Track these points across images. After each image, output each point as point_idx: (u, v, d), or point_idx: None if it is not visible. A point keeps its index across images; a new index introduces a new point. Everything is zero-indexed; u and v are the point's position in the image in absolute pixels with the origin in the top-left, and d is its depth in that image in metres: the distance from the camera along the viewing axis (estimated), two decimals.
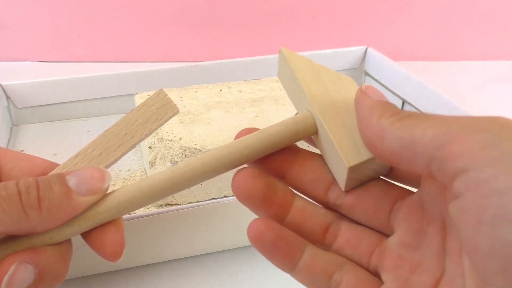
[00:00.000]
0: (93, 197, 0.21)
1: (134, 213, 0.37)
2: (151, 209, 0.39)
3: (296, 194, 0.24)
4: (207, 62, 0.56)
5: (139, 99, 0.44)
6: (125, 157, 0.47)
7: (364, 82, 0.62)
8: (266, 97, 0.46)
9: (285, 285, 0.34)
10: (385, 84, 0.57)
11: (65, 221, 0.21)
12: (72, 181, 0.21)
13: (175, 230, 0.33)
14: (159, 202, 0.39)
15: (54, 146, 0.50)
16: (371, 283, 0.22)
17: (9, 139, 0.51)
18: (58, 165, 0.25)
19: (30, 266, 0.20)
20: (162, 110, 0.25)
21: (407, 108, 0.52)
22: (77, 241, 0.23)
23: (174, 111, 0.25)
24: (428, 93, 0.49)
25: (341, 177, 0.22)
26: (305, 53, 0.58)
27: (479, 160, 0.16)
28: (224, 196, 0.40)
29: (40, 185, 0.21)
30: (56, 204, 0.20)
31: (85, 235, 0.22)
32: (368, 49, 0.60)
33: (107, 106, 0.55)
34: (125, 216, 0.32)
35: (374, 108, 0.20)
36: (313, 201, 0.24)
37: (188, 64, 0.55)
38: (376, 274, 0.22)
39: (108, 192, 0.22)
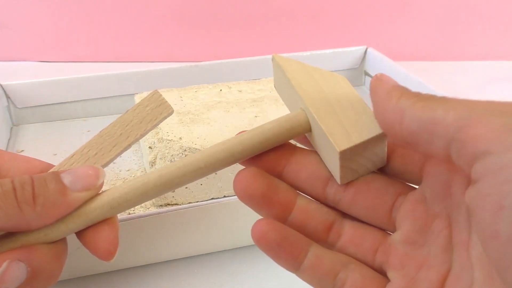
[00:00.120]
0: (88, 193, 0.22)
1: (134, 213, 0.37)
2: (151, 209, 0.39)
3: (298, 193, 0.24)
4: (207, 62, 0.56)
5: (139, 99, 0.44)
6: (125, 157, 0.47)
7: (364, 82, 0.62)
8: (266, 97, 0.46)
9: (285, 285, 0.34)
10: None
11: (60, 218, 0.21)
12: (67, 179, 0.21)
13: (175, 230, 0.33)
14: (160, 202, 0.39)
15: (54, 146, 0.50)
16: (377, 281, 0.22)
17: (9, 139, 0.51)
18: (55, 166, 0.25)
19: (22, 264, 0.20)
20: (157, 110, 0.25)
21: None
22: (77, 241, 0.23)
23: (169, 111, 0.25)
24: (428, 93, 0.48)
25: (336, 167, 0.22)
26: (305, 53, 0.58)
27: (502, 144, 0.15)
28: (224, 196, 0.40)
29: (35, 182, 0.21)
30: (51, 201, 0.21)
31: (80, 234, 0.22)
32: (368, 49, 0.60)
33: (107, 106, 0.55)
34: (125, 216, 0.32)
35: (392, 91, 0.20)
36: (314, 200, 0.24)
37: (188, 64, 0.55)
38: (381, 272, 0.22)
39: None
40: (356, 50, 0.60)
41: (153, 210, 0.36)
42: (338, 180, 0.22)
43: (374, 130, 0.22)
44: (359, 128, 0.22)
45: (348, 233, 0.23)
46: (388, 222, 0.23)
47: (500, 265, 0.16)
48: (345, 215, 0.24)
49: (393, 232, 0.22)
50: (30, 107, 0.53)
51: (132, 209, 0.39)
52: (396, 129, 0.19)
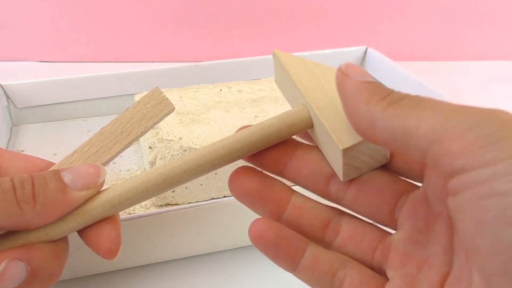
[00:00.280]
0: (88, 191, 0.22)
1: (134, 213, 0.37)
2: (151, 209, 0.39)
3: (294, 191, 0.24)
4: (207, 62, 0.56)
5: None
6: (125, 157, 0.47)
7: None
8: (266, 97, 0.46)
9: (285, 285, 0.34)
10: (385, 84, 0.56)
11: (60, 216, 0.21)
12: (67, 177, 0.21)
13: (175, 230, 0.33)
14: (160, 202, 0.39)
15: (54, 146, 0.50)
16: (375, 281, 0.22)
17: (9, 139, 0.51)
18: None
19: (22, 263, 0.20)
20: (157, 107, 0.25)
21: None
22: (77, 241, 0.23)
23: (170, 108, 0.25)
24: (428, 93, 0.49)
25: (338, 165, 0.22)
26: (305, 53, 0.58)
27: (476, 161, 0.15)
28: (224, 196, 0.40)
29: (35, 180, 0.21)
30: (51, 199, 0.20)
31: (82, 233, 0.22)
32: (368, 49, 0.60)
33: (107, 106, 0.55)
34: (125, 216, 0.32)
35: (360, 91, 0.19)
36: (312, 198, 0.24)
37: (188, 64, 0.55)
38: (380, 271, 0.22)
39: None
40: (356, 50, 0.60)
41: (153, 210, 0.36)
42: (341, 178, 0.22)
43: None
44: None
45: (346, 231, 0.23)
46: (391, 220, 0.22)
47: (485, 276, 0.16)
48: (342, 213, 0.24)
49: (395, 230, 0.22)
50: (30, 107, 0.53)
51: (132, 209, 0.39)
52: (369, 135, 0.19)
